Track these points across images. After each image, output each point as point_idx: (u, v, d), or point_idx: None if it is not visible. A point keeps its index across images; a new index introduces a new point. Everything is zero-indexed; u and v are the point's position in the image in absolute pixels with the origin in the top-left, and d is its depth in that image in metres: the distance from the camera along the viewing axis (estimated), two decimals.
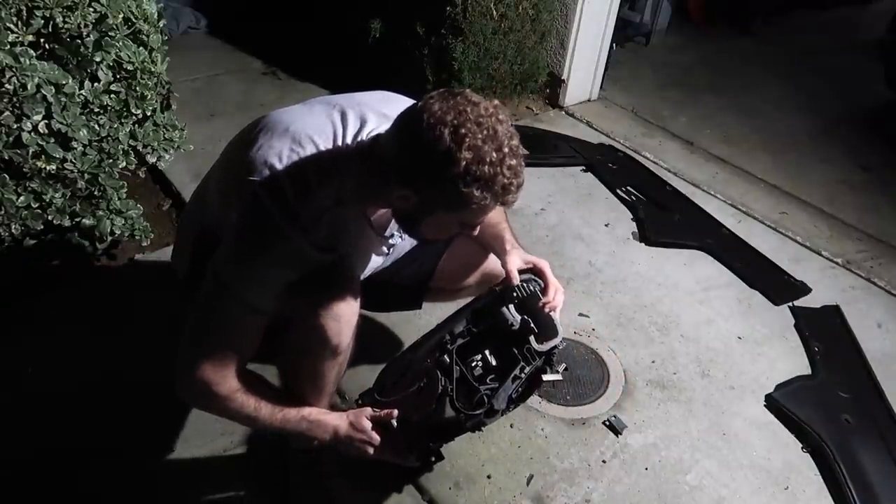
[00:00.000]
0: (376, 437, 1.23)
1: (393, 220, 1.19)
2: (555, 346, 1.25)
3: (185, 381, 1.09)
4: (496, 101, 0.97)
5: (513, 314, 1.25)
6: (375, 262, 1.31)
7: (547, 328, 1.26)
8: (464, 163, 0.91)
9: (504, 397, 1.21)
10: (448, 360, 1.21)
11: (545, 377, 1.27)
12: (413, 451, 1.29)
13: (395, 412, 1.23)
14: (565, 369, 1.32)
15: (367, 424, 1.23)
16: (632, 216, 2.48)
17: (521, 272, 1.29)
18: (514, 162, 0.94)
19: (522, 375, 1.22)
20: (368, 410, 1.24)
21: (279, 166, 1.02)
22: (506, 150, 0.93)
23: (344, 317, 1.14)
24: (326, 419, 1.21)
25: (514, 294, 1.27)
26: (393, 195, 1.01)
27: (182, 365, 1.08)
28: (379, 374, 1.35)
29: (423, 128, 0.92)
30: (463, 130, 0.91)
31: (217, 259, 1.06)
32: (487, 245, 1.38)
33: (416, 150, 0.93)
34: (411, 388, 1.23)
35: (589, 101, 3.37)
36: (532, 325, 1.24)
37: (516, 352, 1.23)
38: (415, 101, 0.99)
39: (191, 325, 1.08)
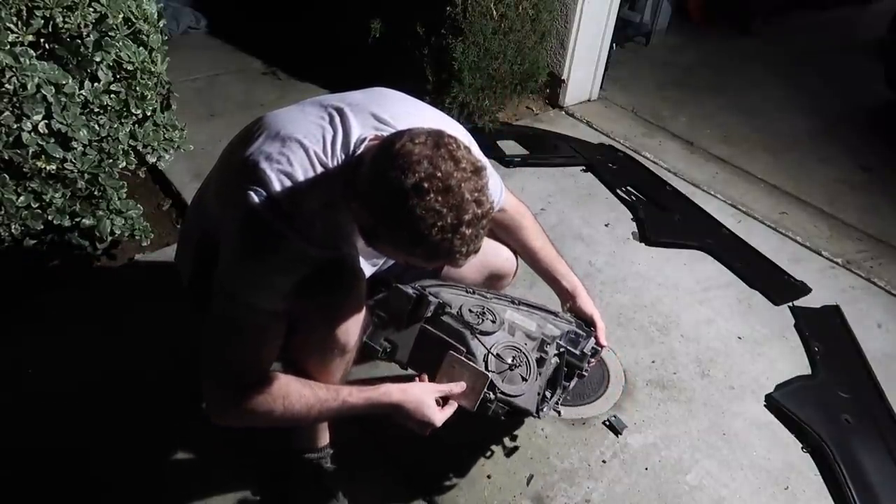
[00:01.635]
0: (439, 419, 1.18)
1: None
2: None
3: (215, 402, 1.09)
4: (480, 163, 0.94)
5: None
6: (372, 263, 1.31)
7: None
8: (415, 219, 0.88)
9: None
10: (545, 362, 1.31)
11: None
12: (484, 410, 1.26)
13: (459, 388, 1.22)
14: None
15: (432, 403, 1.17)
16: (632, 216, 2.48)
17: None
18: (469, 231, 0.91)
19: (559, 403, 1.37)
20: (433, 387, 1.19)
21: (269, 171, 1.02)
22: (466, 217, 0.90)
23: (352, 316, 1.14)
24: (374, 396, 1.15)
25: (595, 349, 1.42)
26: (353, 208, 1.01)
27: (208, 386, 1.08)
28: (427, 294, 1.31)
29: (393, 165, 0.89)
30: (426, 185, 0.87)
31: (220, 270, 1.05)
32: (542, 268, 1.49)
33: (380, 183, 0.91)
34: (507, 357, 1.27)
35: (589, 101, 3.37)
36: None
37: (564, 384, 1.37)
38: (402, 130, 0.97)
39: (207, 344, 1.07)
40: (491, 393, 1.22)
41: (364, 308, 1.17)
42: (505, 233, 1.46)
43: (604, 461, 1.57)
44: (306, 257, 1.04)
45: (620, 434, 1.63)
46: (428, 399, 1.17)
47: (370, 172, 0.95)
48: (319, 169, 1.04)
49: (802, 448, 1.66)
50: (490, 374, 1.21)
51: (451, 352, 1.22)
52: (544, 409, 1.30)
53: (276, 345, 1.09)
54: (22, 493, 1.39)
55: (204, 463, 1.47)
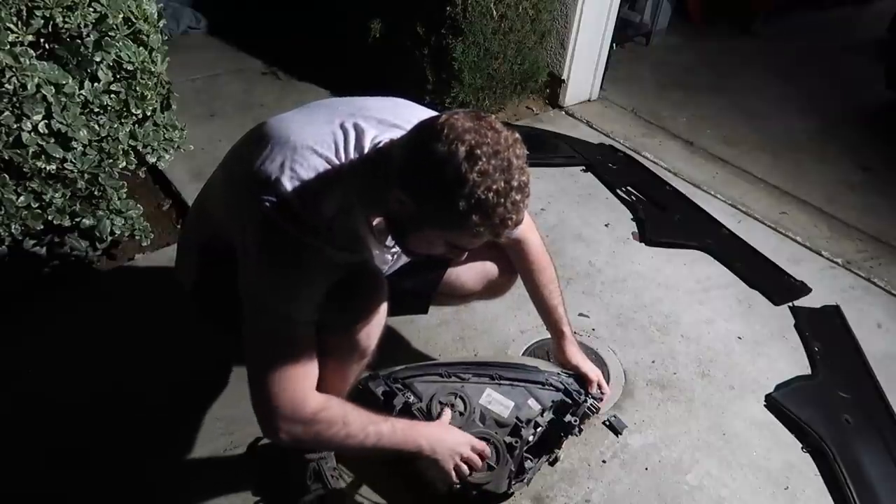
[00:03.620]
0: (478, 463, 1.26)
1: None
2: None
3: (270, 420, 1.06)
4: (517, 135, 0.96)
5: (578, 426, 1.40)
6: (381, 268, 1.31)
7: None
8: (470, 184, 0.90)
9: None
10: (517, 448, 1.32)
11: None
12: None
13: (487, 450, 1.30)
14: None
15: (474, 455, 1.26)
16: (632, 216, 2.48)
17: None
18: (518, 197, 0.93)
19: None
20: (474, 441, 1.27)
21: (284, 180, 1.01)
22: (514, 183, 0.92)
23: (374, 319, 1.14)
24: (417, 425, 1.20)
25: (592, 409, 1.43)
26: (391, 199, 1.00)
27: (260, 405, 1.06)
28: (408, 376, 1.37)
29: (439, 139, 0.91)
30: (478, 152, 0.90)
31: (248, 286, 1.04)
32: (544, 320, 1.51)
33: (426, 159, 0.92)
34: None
35: (589, 101, 3.37)
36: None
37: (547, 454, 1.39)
38: (434, 114, 0.99)
39: (252, 361, 1.06)
40: (456, 483, 1.28)
41: (385, 311, 1.17)
42: (517, 263, 1.48)
43: (604, 461, 1.57)
44: (334, 263, 1.04)
45: (620, 434, 1.63)
46: (464, 450, 1.24)
47: (411, 154, 0.95)
48: (333, 174, 1.04)
49: (802, 448, 1.66)
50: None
51: None
52: (515, 486, 1.34)
53: (316, 351, 1.08)
54: (20, 493, 1.39)
55: (203, 463, 1.47)
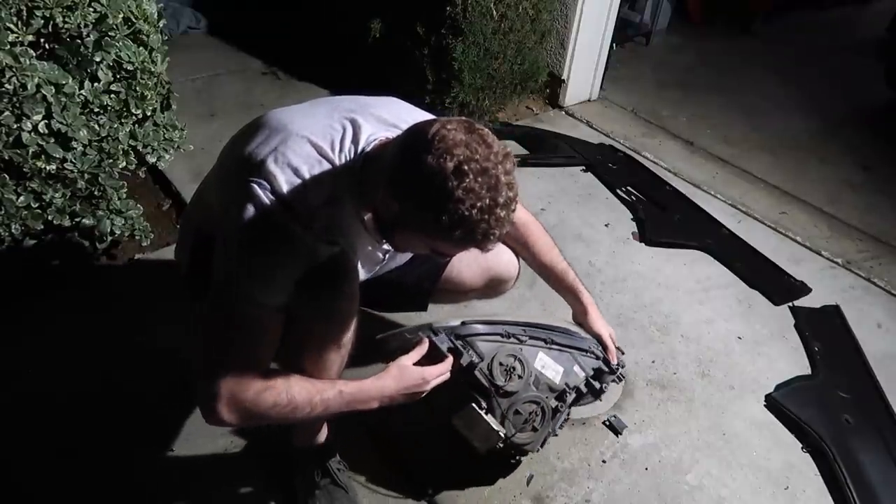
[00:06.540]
0: (430, 374, 1.20)
1: None
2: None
3: (218, 401, 1.01)
4: (508, 148, 0.96)
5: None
6: (371, 265, 1.31)
7: None
8: (455, 200, 0.90)
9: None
10: (561, 412, 1.36)
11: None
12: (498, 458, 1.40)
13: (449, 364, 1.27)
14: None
15: (416, 372, 1.19)
16: (632, 216, 2.48)
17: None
18: (502, 214, 0.93)
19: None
20: (407, 359, 1.21)
21: (274, 165, 1.02)
22: (500, 200, 0.92)
23: (348, 311, 1.14)
24: (365, 385, 1.15)
25: (619, 377, 1.47)
26: (379, 199, 1.01)
27: (203, 388, 1.02)
28: (466, 332, 1.34)
29: (429, 149, 0.91)
30: (466, 168, 0.90)
31: (220, 261, 1.04)
32: (557, 288, 1.50)
33: (414, 168, 0.92)
34: (525, 413, 1.33)
35: (589, 101, 3.37)
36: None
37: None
38: (432, 118, 0.99)
39: (206, 337, 1.04)
40: (501, 444, 1.30)
41: (357, 304, 1.17)
42: (514, 244, 1.48)
43: (604, 461, 1.57)
44: (310, 250, 1.04)
45: (620, 434, 1.63)
46: (424, 387, 1.20)
47: (401, 159, 0.95)
48: (326, 165, 1.04)
49: (802, 448, 1.66)
50: (503, 433, 1.29)
51: (473, 405, 1.30)
52: (547, 442, 1.39)
53: (275, 338, 1.07)
54: (20, 492, 1.39)
55: (205, 462, 1.47)
